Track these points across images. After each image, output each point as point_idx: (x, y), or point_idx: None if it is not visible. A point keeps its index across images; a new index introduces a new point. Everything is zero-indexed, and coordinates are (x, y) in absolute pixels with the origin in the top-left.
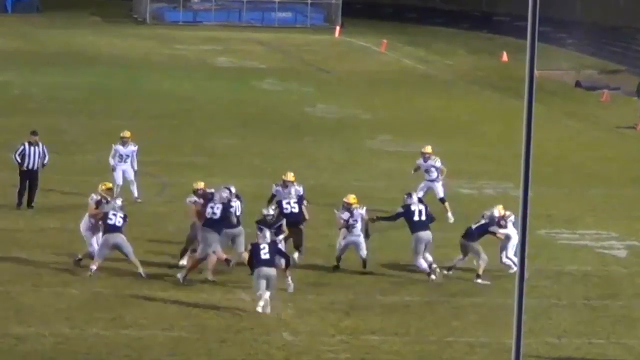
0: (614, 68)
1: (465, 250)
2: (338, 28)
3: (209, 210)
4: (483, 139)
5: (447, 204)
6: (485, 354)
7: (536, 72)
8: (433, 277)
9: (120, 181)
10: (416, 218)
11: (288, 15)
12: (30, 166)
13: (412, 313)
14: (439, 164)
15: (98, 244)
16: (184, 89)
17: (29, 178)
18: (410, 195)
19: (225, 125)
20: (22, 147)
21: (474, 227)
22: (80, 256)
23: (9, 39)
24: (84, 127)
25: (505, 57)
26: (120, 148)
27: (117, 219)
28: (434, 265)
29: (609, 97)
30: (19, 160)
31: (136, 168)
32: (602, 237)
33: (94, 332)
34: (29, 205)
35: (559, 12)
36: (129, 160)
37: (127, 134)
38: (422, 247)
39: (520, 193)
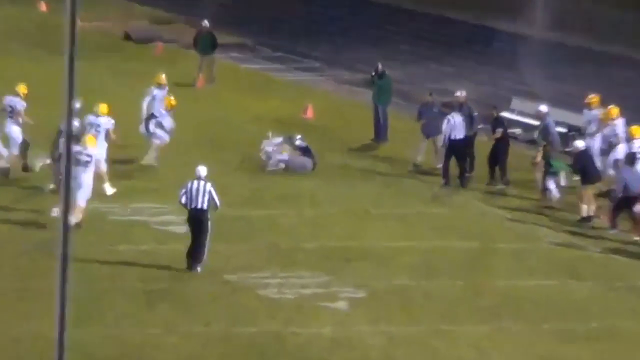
0: (167, 17)
1: None
2: None
3: None
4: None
5: None
6: None
7: (78, 23)
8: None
9: None
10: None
11: None
12: None
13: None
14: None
15: None
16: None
17: None
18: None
19: None
20: None
21: None
22: None
23: None
24: None
25: (43, 7)
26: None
27: None
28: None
29: (163, 50)
30: None
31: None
32: (159, 212)
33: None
34: None
35: None
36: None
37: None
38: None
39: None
